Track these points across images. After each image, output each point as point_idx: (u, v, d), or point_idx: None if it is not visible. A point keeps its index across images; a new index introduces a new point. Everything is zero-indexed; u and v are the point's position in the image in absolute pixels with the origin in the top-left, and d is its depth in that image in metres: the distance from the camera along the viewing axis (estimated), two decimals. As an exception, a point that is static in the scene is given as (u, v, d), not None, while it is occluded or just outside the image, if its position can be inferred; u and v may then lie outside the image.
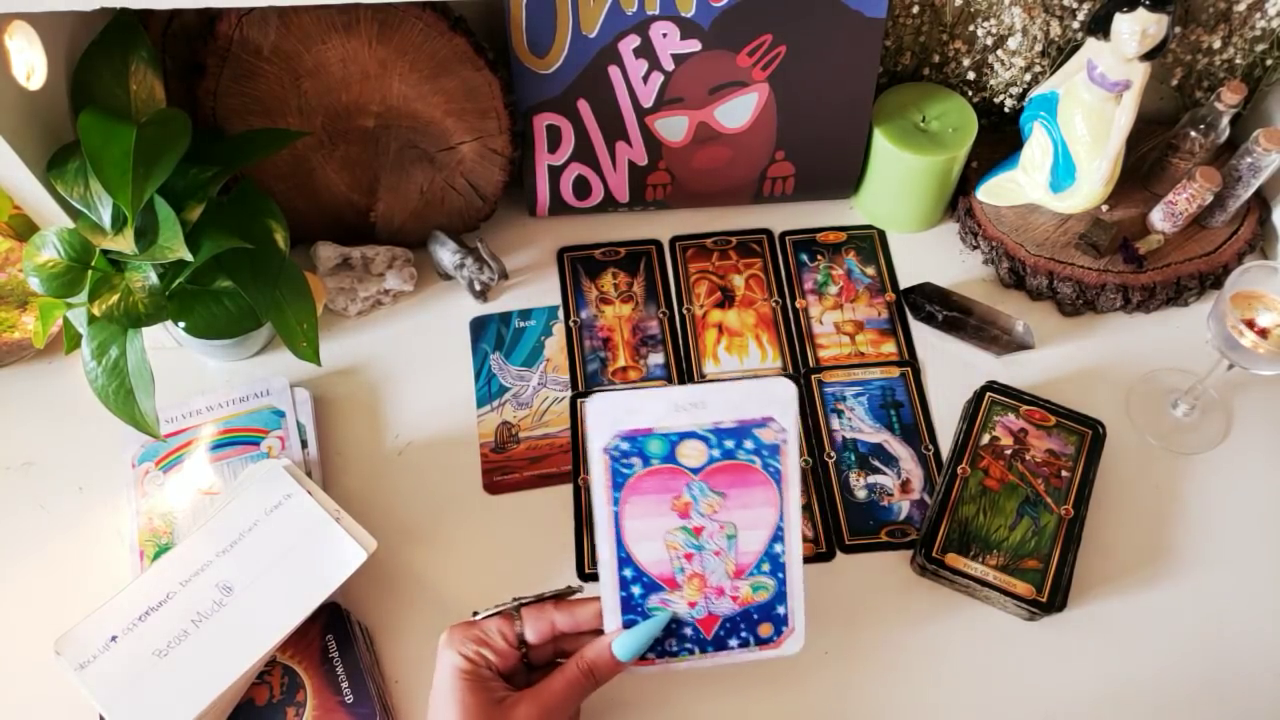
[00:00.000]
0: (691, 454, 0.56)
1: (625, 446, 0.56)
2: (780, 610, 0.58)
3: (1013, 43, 0.76)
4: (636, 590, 0.57)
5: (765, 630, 0.58)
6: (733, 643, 0.58)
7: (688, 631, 0.58)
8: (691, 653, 0.58)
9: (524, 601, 0.58)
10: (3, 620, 0.68)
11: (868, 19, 0.75)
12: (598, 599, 0.58)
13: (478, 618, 0.58)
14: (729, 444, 0.56)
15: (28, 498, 0.73)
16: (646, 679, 0.63)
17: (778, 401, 0.56)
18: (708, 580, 0.57)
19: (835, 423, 0.76)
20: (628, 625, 0.57)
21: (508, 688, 0.55)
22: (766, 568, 0.58)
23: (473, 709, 0.53)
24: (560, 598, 0.59)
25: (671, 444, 0.56)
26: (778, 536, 0.57)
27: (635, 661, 0.58)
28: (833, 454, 0.75)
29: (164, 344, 0.78)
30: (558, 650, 0.59)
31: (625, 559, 0.57)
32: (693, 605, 0.58)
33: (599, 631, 0.58)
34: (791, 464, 0.57)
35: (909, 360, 0.79)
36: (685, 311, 0.82)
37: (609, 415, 0.56)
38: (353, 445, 0.76)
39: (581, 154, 0.82)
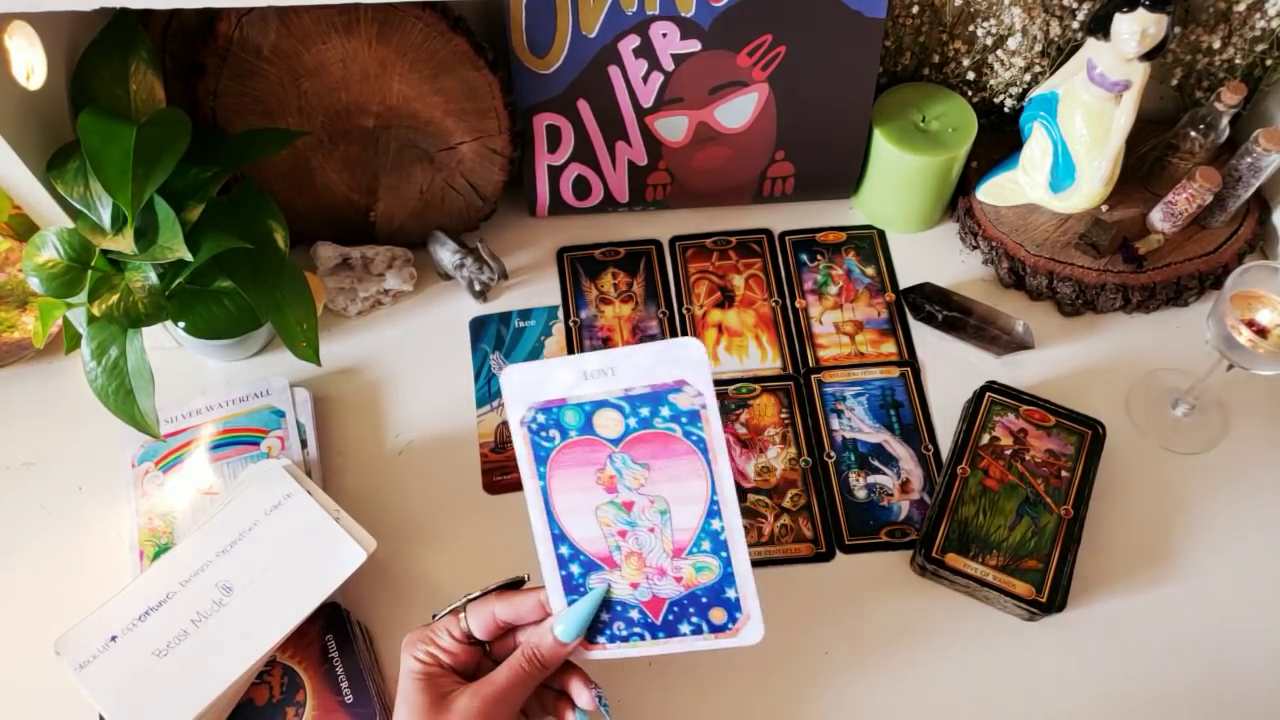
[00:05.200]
0: (608, 424, 0.54)
1: (542, 419, 0.55)
2: (730, 594, 0.56)
3: (1012, 43, 0.76)
4: (575, 569, 0.56)
5: (718, 616, 0.56)
6: (684, 629, 0.57)
7: (634, 615, 0.57)
8: (642, 638, 0.57)
9: (472, 597, 0.58)
10: (3, 620, 0.68)
11: (868, 19, 0.75)
12: (539, 589, 0.57)
13: (435, 619, 0.58)
14: (644, 411, 0.54)
15: (28, 498, 0.73)
16: (636, 678, 0.63)
17: (689, 363, 0.53)
18: (646, 559, 0.56)
19: (835, 423, 0.76)
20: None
21: (459, 682, 0.55)
22: (707, 546, 0.55)
23: (418, 706, 0.54)
24: (509, 588, 0.59)
25: (587, 414, 0.54)
26: (714, 512, 0.55)
27: (585, 645, 0.57)
28: (832, 454, 0.75)
29: (164, 344, 0.78)
30: (517, 643, 0.58)
31: (560, 535, 0.56)
32: (635, 586, 0.56)
33: None
34: (715, 431, 0.54)
35: (909, 360, 0.79)
36: (685, 311, 0.82)
37: (523, 386, 0.55)
38: (353, 445, 0.76)
39: (581, 154, 0.82)
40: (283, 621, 0.62)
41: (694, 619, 0.57)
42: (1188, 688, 0.65)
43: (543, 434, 0.55)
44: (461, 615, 0.57)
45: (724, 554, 0.55)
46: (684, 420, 0.54)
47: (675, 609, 0.56)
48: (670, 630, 0.57)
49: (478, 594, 0.58)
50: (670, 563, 0.56)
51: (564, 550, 0.56)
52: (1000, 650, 0.67)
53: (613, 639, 0.57)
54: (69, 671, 0.60)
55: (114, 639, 0.61)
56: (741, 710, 0.65)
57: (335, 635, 0.65)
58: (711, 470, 0.54)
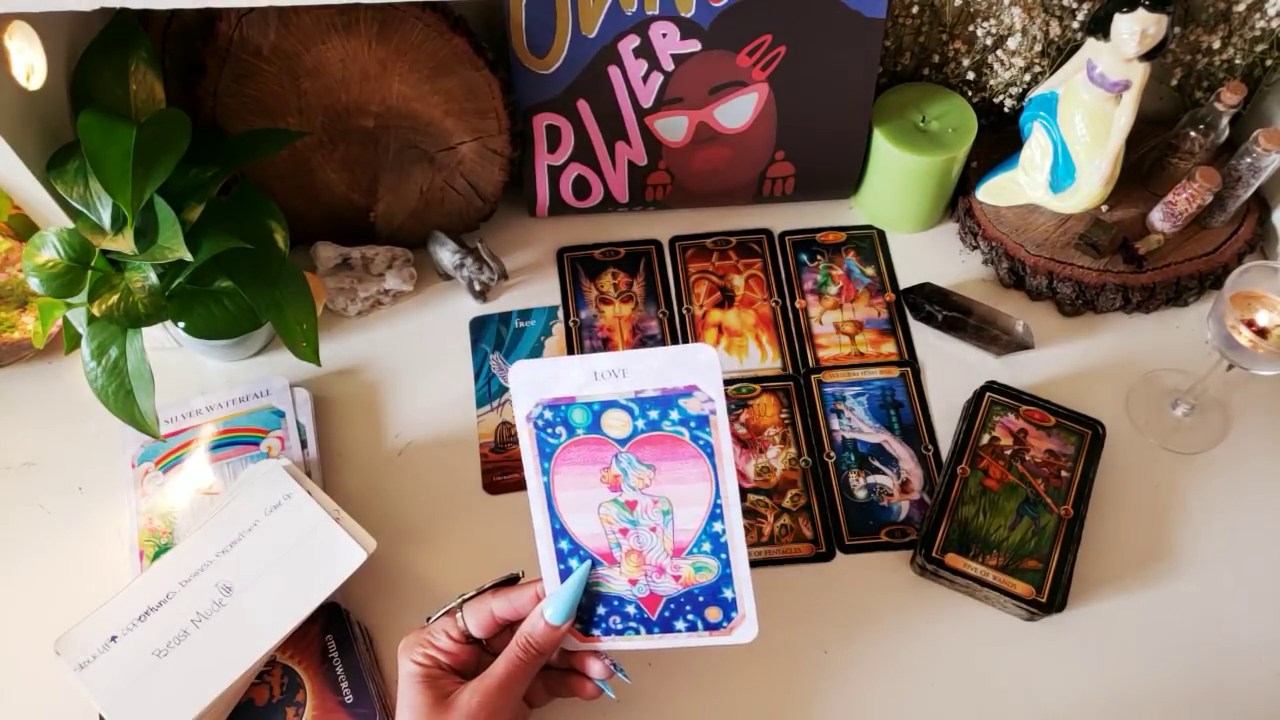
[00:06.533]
0: (616, 424, 0.55)
1: (549, 415, 0.55)
2: (727, 594, 0.57)
3: (1012, 43, 0.76)
4: (574, 564, 0.57)
5: (713, 615, 0.57)
6: (679, 625, 0.57)
7: (630, 610, 0.57)
8: (637, 632, 0.58)
9: (467, 597, 0.58)
10: (3, 620, 0.68)
11: (868, 19, 0.75)
12: (535, 582, 0.58)
13: (429, 621, 0.58)
14: (653, 414, 0.54)
15: (28, 498, 0.73)
16: (637, 678, 0.63)
17: (700, 368, 0.53)
18: (646, 557, 0.56)
19: (835, 423, 0.76)
20: None
21: (459, 682, 0.56)
22: (708, 547, 0.56)
23: (420, 708, 0.54)
24: (504, 585, 0.59)
25: (595, 414, 0.55)
26: (716, 514, 0.55)
27: (579, 637, 0.58)
28: (832, 454, 0.75)
29: (164, 344, 0.78)
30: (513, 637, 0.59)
31: (560, 530, 0.56)
32: (633, 583, 0.57)
33: None
34: (723, 437, 0.54)
35: (909, 360, 0.79)
36: (685, 311, 0.82)
37: (531, 383, 0.55)
38: (353, 445, 0.76)
39: (581, 154, 0.82)
40: (283, 621, 0.62)
41: (689, 616, 0.57)
42: (1187, 687, 0.65)
43: (548, 430, 0.55)
44: (459, 615, 0.57)
45: (724, 555, 0.56)
46: (692, 425, 0.54)
47: (671, 606, 0.57)
48: (665, 627, 0.57)
49: (473, 593, 0.58)
50: (670, 561, 0.56)
51: (564, 545, 0.57)
52: (1000, 650, 0.67)
53: (607, 632, 0.58)
54: (69, 671, 0.60)
55: (114, 639, 0.61)
56: (741, 710, 0.65)
57: (335, 635, 0.65)
58: (717, 474, 0.55)
